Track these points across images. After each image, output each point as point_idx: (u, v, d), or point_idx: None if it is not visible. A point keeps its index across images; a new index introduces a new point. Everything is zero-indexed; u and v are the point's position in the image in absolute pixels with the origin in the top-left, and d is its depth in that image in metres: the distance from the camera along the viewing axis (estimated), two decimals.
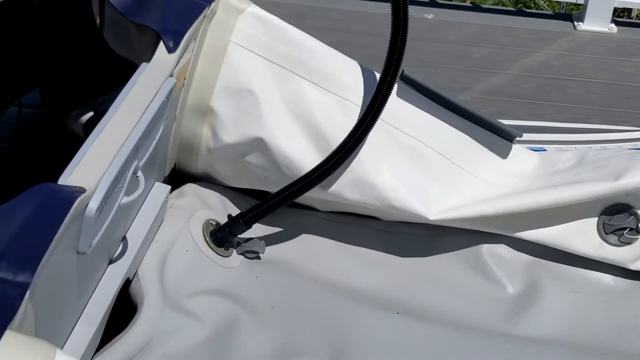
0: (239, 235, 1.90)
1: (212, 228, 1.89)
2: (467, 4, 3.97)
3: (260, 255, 1.91)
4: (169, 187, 1.88)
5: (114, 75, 1.92)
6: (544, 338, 1.81)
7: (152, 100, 1.61)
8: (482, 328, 1.83)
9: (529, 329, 1.83)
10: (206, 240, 1.87)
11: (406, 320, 1.81)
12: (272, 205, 1.86)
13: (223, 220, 1.93)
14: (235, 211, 1.97)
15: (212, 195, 1.98)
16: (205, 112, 1.91)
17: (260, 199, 1.99)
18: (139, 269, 1.71)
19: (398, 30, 1.74)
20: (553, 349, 1.78)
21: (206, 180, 2.01)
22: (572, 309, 1.90)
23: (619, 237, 1.96)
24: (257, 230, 1.93)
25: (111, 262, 1.64)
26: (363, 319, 1.80)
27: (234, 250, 1.91)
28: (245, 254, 1.91)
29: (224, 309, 1.76)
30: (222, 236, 1.88)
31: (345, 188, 1.90)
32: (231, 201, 2.02)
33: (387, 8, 3.32)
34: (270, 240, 1.95)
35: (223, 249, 1.88)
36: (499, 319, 1.86)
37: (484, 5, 3.89)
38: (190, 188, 1.96)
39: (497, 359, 1.74)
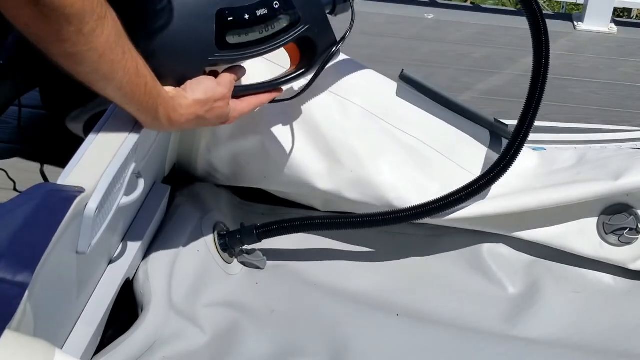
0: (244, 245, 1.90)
1: (220, 231, 1.89)
2: (467, 4, 3.97)
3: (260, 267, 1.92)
4: (169, 187, 1.88)
5: None
6: (544, 338, 1.81)
7: None
8: (482, 328, 1.82)
9: (529, 329, 1.83)
10: (215, 243, 1.87)
11: (406, 321, 1.81)
12: (292, 227, 1.86)
13: (231, 224, 1.93)
14: (243, 217, 1.97)
15: (222, 198, 1.98)
16: None
17: (266, 201, 2.00)
18: (148, 267, 1.70)
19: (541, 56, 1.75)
20: (553, 349, 1.78)
21: (206, 180, 2.01)
22: (572, 309, 1.90)
23: (619, 237, 1.96)
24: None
25: (111, 262, 1.64)
26: (362, 320, 1.80)
27: (235, 258, 1.91)
28: (245, 264, 1.91)
29: (225, 316, 1.75)
30: (231, 243, 1.88)
31: (345, 188, 1.90)
32: (240, 206, 2.02)
33: (387, 8, 3.35)
34: (270, 241, 1.95)
35: (227, 254, 1.88)
36: (499, 319, 1.86)
37: (484, 5, 3.89)
38: (201, 188, 1.96)
39: (496, 359, 1.74)
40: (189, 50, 1.42)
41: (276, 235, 1.88)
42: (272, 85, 1.59)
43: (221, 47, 1.44)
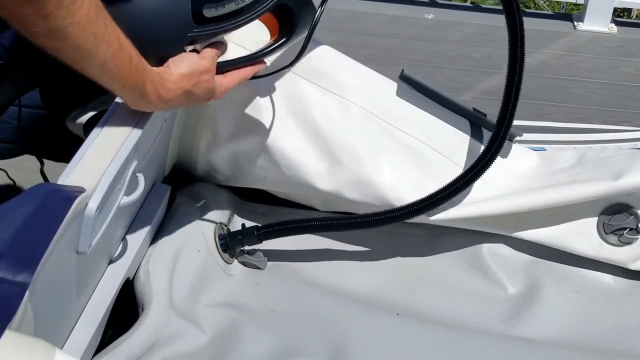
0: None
1: (221, 232, 1.89)
2: (467, 4, 3.97)
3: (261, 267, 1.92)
4: (169, 187, 1.88)
5: None
6: (544, 338, 1.81)
7: None
8: (482, 328, 1.83)
9: (529, 329, 1.83)
10: (216, 244, 1.87)
11: (406, 321, 1.81)
12: (293, 229, 1.86)
13: (231, 224, 1.93)
14: (243, 217, 1.98)
15: (222, 198, 1.98)
16: (205, 112, 1.91)
17: (266, 201, 2.00)
18: (149, 267, 1.70)
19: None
20: (553, 349, 1.78)
21: (206, 180, 2.01)
22: (573, 308, 1.90)
23: (619, 237, 1.96)
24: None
25: (111, 262, 1.64)
26: (363, 320, 1.80)
27: (236, 258, 1.91)
28: (246, 264, 1.91)
29: (225, 316, 1.76)
30: (231, 243, 1.88)
31: (345, 188, 1.90)
32: (240, 206, 2.02)
33: (387, 8, 3.35)
34: (270, 241, 1.95)
35: (228, 254, 1.89)
36: (499, 319, 1.86)
37: (484, 5, 3.90)
38: (202, 188, 1.96)
39: (497, 359, 1.74)
40: (167, 29, 1.40)
41: (277, 237, 1.88)
42: (254, 58, 1.57)
43: (199, 22, 1.42)
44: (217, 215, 1.92)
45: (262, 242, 1.88)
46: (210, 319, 1.73)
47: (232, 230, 1.93)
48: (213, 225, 1.89)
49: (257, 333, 1.73)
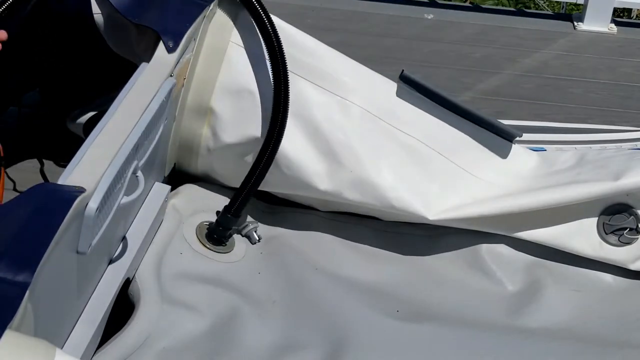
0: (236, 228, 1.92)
1: (206, 229, 1.90)
2: (467, 4, 3.97)
3: (262, 252, 1.92)
4: (169, 187, 1.88)
5: (114, 75, 1.92)
6: (545, 331, 1.82)
7: (151, 100, 1.62)
8: (482, 323, 1.83)
9: (529, 323, 1.84)
10: (201, 241, 1.87)
11: (405, 317, 1.82)
12: (250, 189, 1.86)
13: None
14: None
15: (208, 197, 1.98)
16: (205, 112, 1.91)
17: (259, 198, 2.01)
18: (135, 272, 1.71)
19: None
20: (554, 341, 1.79)
21: (206, 180, 2.01)
22: (573, 306, 1.91)
23: (619, 237, 1.96)
24: (259, 230, 1.94)
25: (111, 262, 1.65)
26: (363, 314, 1.80)
27: (234, 246, 1.91)
28: (250, 239, 1.93)
29: (225, 301, 1.76)
30: (218, 234, 1.88)
31: (345, 188, 1.90)
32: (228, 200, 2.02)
33: (387, 8, 3.35)
34: (272, 238, 1.95)
35: (222, 246, 1.89)
36: (499, 314, 1.86)
37: (484, 5, 3.89)
38: (186, 189, 1.97)
39: (496, 353, 1.75)
40: None
41: (245, 204, 1.87)
42: None
43: None
44: (201, 216, 1.92)
45: (239, 217, 1.88)
46: (208, 303, 1.74)
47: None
48: (194, 226, 1.89)
49: (258, 323, 1.74)
